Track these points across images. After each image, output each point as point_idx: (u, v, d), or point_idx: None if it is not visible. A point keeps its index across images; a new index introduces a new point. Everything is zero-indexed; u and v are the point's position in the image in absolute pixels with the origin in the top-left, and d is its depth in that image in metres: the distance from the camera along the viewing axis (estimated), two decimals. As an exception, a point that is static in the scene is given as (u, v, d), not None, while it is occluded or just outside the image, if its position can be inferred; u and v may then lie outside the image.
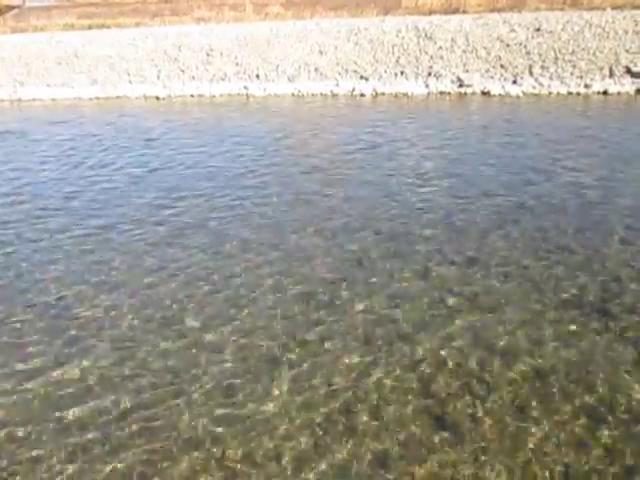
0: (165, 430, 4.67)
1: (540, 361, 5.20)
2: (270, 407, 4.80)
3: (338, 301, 6.46)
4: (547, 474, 4.06)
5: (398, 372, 5.23)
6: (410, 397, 4.90)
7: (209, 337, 5.90)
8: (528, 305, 6.10)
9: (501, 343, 5.53)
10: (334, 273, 7.04)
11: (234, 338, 5.87)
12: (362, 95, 19.50)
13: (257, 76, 21.50)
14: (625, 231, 7.80)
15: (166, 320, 6.27)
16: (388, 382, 5.11)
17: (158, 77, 22.60)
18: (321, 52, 22.38)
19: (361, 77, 20.46)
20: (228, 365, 5.40)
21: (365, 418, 4.67)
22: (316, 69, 21.31)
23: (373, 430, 4.58)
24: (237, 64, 22.47)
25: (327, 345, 5.66)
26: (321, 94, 19.92)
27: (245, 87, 20.95)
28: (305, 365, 5.33)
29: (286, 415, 4.68)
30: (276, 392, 5.02)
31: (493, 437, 4.47)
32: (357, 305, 6.30)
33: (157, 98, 21.05)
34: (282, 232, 8.43)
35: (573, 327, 5.74)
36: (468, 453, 4.26)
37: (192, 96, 21.01)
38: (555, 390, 4.91)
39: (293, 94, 20.22)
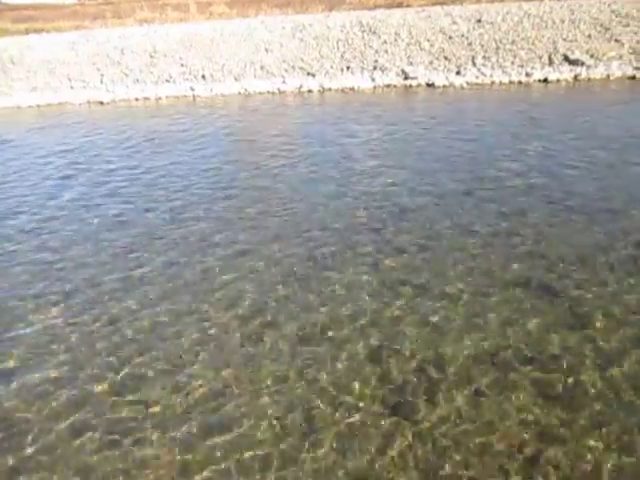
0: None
1: (489, 341, 5.24)
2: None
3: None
4: (504, 451, 4.09)
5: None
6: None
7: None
8: (478, 287, 6.15)
9: (454, 324, 5.55)
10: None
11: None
12: (309, 91, 19.46)
13: (203, 76, 21.19)
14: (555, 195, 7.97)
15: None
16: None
17: (101, 81, 22.01)
18: (267, 50, 22.23)
19: (308, 73, 20.42)
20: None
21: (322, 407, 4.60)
22: (262, 67, 21.16)
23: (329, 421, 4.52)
24: (182, 65, 22.10)
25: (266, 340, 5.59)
26: (268, 92, 19.78)
27: (191, 88, 20.62)
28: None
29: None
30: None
31: (447, 415, 4.49)
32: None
33: (101, 103, 20.49)
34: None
35: (520, 306, 5.81)
36: (425, 436, 4.25)
37: (137, 99, 20.55)
38: (506, 367, 4.96)
39: (240, 93, 20.02)
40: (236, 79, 20.78)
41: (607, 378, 4.78)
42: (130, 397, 5.03)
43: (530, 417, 4.47)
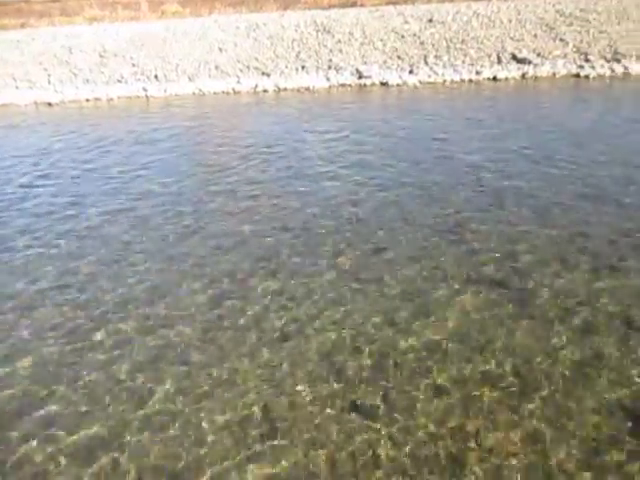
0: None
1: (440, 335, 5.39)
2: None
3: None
4: (448, 438, 4.21)
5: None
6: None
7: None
8: (428, 282, 6.29)
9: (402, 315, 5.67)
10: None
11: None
12: (265, 91, 19.40)
13: (156, 77, 20.83)
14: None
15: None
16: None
17: (49, 82, 21.33)
18: (221, 49, 22.04)
19: (263, 73, 20.35)
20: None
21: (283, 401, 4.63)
22: (217, 67, 20.96)
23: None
24: (134, 65, 21.66)
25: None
26: (223, 92, 19.61)
27: (144, 89, 20.23)
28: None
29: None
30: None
31: (400, 406, 4.58)
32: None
33: (49, 104, 19.87)
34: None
35: (470, 298, 5.98)
36: (379, 425, 4.33)
37: (88, 100, 20.01)
38: (454, 357, 5.10)
39: (194, 93, 19.78)
40: (190, 79, 20.52)
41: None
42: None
43: (483, 405, 4.62)
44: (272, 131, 14.06)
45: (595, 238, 7.17)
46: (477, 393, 4.73)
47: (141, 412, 4.77)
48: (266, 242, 7.72)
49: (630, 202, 8.24)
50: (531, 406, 4.53)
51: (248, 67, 20.78)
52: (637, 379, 4.78)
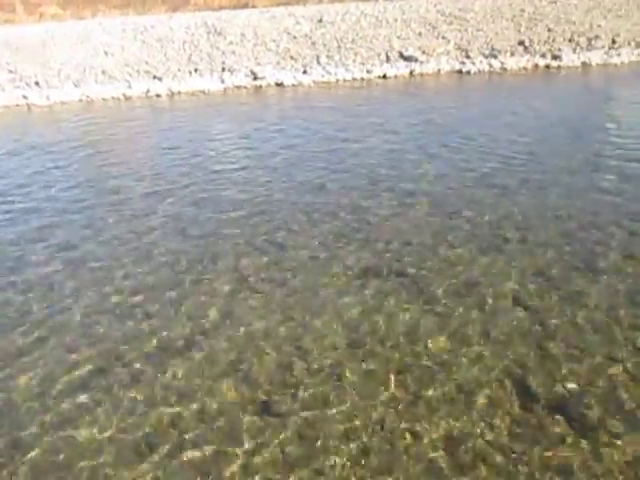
0: None
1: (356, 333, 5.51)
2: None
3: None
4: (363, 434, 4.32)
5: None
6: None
7: None
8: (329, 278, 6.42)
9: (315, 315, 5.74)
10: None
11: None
12: (158, 96, 18.83)
13: (37, 83, 19.55)
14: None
15: None
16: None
17: None
18: (107, 53, 21.12)
19: (154, 77, 19.73)
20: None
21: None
22: (104, 72, 20.05)
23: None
24: (10, 71, 20.21)
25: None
26: (113, 98, 18.80)
27: (24, 96, 18.91)
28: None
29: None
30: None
31: (311, 405, 4.62)
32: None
33: None
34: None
35: (373, 292, 6.17)
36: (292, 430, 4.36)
37: (-40, 110, 18.42)
38: (367, 353, 5.23)
39: (81, 100, 18.78)
40: (75, 85, 19.47)
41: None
42: None
43: (385, 396, 4.79)
44: (173, 136, 13.69)
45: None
46: (382, 387, 4.86)
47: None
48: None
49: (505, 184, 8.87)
50: (431, 392, 4.74)
51: (138, 71, 20.07)
52: (522, 349, 5.15)
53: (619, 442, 4.01)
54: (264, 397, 4.82)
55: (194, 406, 4.76)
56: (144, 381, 5.06)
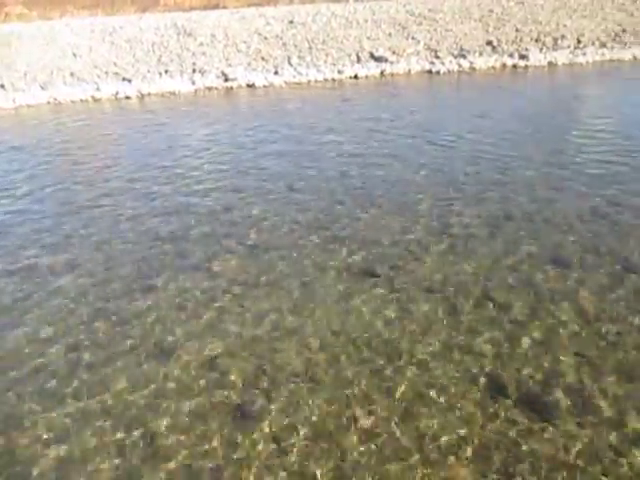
0: None
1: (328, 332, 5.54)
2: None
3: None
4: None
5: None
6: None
7: None
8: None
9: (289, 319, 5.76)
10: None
11: None
12: (127, 98, 18.62)
13: (2, 86, 19.16)
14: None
15: None
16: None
17: None
18: (75, 55, 20.80)
19: (123, 79, 19.51)
20: None
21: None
22: (72, 73, 19.75)
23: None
24: (-25, 74, 19.77)
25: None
26: (82, 100, 18.52)
27: (-11, 99, 18.54)
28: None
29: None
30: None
31: (282, 406, 4.64)
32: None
33: None
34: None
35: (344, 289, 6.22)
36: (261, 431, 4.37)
37: None
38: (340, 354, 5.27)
39: (49, 102, 18.46)
40: (43, 87, 19.13)
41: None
42: None
43: (356, 391, 4.85)
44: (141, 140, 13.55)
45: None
46: (355, 382, 4.91)
47: None
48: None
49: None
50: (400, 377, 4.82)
51: (107, 73, 19.82)
52: (487, 348, 5.27)
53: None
54: (237, 399, 4.83)
55: (165, 421, 4.71)
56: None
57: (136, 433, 4.49)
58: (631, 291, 5.86)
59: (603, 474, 3.83)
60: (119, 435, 4.48)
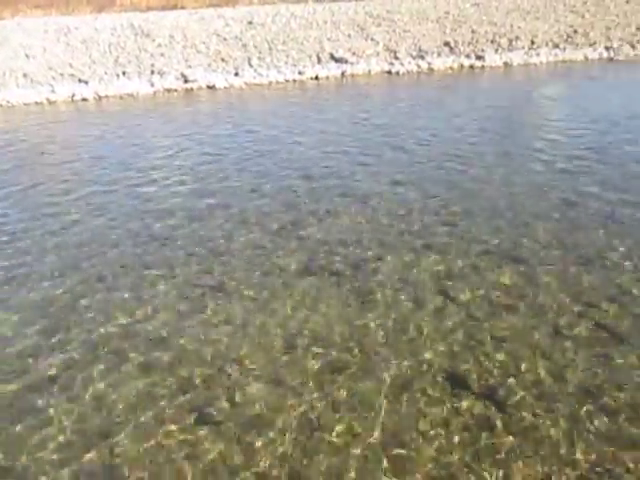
0: None
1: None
2: None
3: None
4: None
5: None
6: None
7: None
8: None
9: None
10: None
11: None
12: (84, 100, 18.20)
13: (-50, 89, 18.48)
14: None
15: None
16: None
17: None
18: (28, 56, 20.23)
19: (79, 80, 19.07)
20: None
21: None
22: (25, 75, 19.19)
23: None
24: None
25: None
26: (36, 103, 18.01)
27: (-63, 102, 17.84)
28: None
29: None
30: None
31: (263, 412, 4.65)
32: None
33: None
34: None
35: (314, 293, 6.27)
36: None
37: None
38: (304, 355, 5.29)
39: (1, 105, 17.89)
40: (-6, 90, 18.53)
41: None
42: None
43: (318, 391, 4.89)
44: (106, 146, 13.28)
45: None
46: (333, 385, 4.94)
47: None
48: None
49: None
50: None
51: (62, 74, 19.34)
52: (455, 348, 5.40)
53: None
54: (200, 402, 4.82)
55: (129, 427, 4.66)
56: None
57: None
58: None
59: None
60: None
